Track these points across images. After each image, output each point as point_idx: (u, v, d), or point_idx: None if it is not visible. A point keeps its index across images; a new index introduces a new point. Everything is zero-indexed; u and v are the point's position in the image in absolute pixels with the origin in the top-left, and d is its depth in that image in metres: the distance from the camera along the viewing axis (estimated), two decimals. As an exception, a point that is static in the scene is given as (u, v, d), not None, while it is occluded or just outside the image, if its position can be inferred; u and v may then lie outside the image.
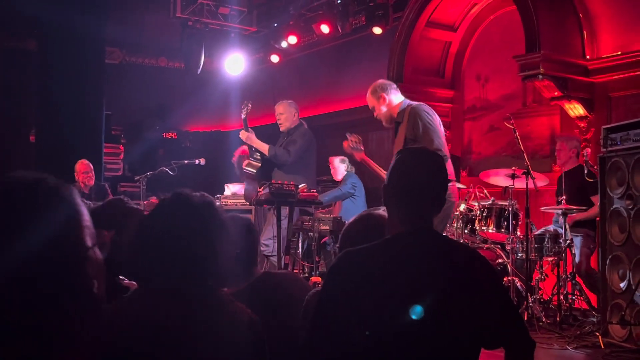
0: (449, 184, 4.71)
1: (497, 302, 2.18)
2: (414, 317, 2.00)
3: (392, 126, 5.30)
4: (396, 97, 5.23)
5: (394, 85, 5.31)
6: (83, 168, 8.21)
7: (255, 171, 6.40)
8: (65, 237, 1.24)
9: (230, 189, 7.88)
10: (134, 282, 2.81)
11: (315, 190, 5.65)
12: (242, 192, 7.62)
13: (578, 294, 6.09)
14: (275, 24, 9.96)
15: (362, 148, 5.24)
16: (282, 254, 5.13)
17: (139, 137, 12.39)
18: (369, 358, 2.06)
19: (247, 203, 6.85)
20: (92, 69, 9.86)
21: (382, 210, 6.44)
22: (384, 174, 5.28)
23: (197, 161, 7.80)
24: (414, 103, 5.17)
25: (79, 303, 1.23)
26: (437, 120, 5.03)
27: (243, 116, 6.60)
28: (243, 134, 6.53)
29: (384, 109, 5.23)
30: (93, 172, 8.29)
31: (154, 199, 9.20)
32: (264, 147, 6.42)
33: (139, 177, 7.73)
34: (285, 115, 6.56)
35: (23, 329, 1.16)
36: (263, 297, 2.68)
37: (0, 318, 1.16)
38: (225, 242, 2.07)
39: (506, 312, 2.22)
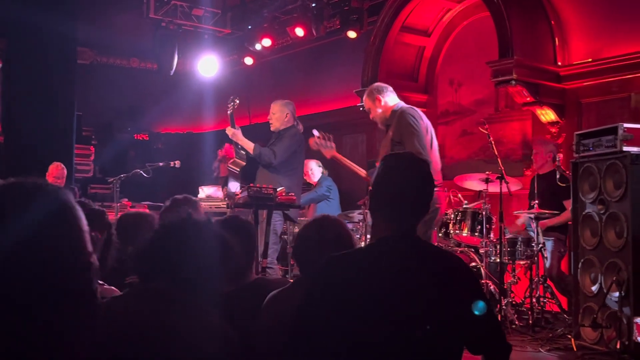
0: (435, 190, 4.76)
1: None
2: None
3: (384, 128, 5.32)
4: (391, 99, 5.25)
5: (391, 88, 5.32)
6: (55, 173, 8.11)
7: (239, 170, 6.30)
8: (69, 244, 1.23)
9: (205, 191, 7.83)
10: (113, 288, 2.81)
11: (294, 194, 5.61)
12: (217, 194, 7.61)
13: (549, 297, 6.18)
14: (250, 27, 9.95)
15: (333, 145, 5.20)
16: (259, 258, 5.12)
17: (109, 138, 12.28)
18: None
19: (223, 206, 6.82)
20: (63, 69, 9.74)
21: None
22: (357, 168, 5.30)
23: (172, 163, 7.72)
24: (405, 106, 5.18)
25: (84, 311, 1.22)
26: (422, 125, 5.05)
27: (229, 112, 6.50)
28: (229, 131, 6.42)
29: (379, 110, 5.24)
30: (64, 179, 8.19)
31: (125, 201, 9.13)
32: (250, 146, 6.32)
33: (112, 179, 7.64)
34: (277, 115, 6.45)
35: (27, 338, 1.15)
36: (253, 301, 2.70)
37: (4, 325, 1.15)
38: (223, 258, 2.16)
39: (486, 317, 2.25)
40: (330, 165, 8.68)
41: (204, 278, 2.05)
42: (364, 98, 5.33)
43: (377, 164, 5.19)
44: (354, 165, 5.31)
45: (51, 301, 1.17)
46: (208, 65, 10.66)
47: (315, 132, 5.19)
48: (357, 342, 2.06)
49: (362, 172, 5.28)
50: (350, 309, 2.07)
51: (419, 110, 5.24)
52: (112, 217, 7.89)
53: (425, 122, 5.09)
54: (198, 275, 2.04)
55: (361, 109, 8.02)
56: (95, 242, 1.35)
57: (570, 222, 5.90)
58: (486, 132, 6.24)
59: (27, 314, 1.15)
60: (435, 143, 5.22)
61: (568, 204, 5.76)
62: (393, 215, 2.22)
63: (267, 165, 6.22)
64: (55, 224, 1.22)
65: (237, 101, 6.48)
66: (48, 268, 1.18)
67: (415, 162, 2.32)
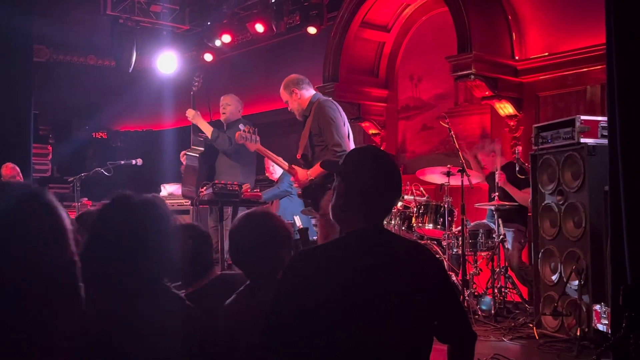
0: None
1: (445, 296, 2.26)
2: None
3: (304, 117, 5.45)
4: (307, 92, 5.40)
5: (307, 80, 5.46)
6: (9, 172, 7.97)
7: (197, 155, 6.31)
8: (53, 244, 1.22)
9: (167, 189, 7.78)
10: None
11: (258, 190, 5.64)
12: (179, 192, 7.55)
13: (511, 287, 6.29)
14: (209, 23, 9.88)
15: (257, 138, 5.28)
16: (225, 255, 5.12)
17: (67, 137, 12.09)
18: (326, 354, 2.09)
19: (186, 203, 6.77)
20: (19, 67, 9.55)
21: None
22: (280, 161, 5.39)
23: (133, 161, 7.65)
24: (323, 98, 5.33)
25: (68, 308, 1.22)
26: (340, 117, 5.20)
27: (193, 91, 6.50)
28: (190, 113, 6.41)
29: (295, 103, 5.40)
30: (20, 176, 8.05)
31: (85, 200, 9.00)
32: (208, 129, 6.36)
33: (72, 179, 7.53)
34: (232, 107, 6.53)
35: (15, 336, 1.15)
36: (217, 296, 2.71)
37: None
38: (166, 237, 2.11)
39: (452, 305, 2.30)
40: (292, 161, 8.68)
41: (152, 269, 2.04)
42: (280, 90, 5.46)
43: (298, 157, 5.30)
44: (278, 157, 5.43)
45: (34, 297, 1.17)
46: (167, 62, 10.56)
47: (242, 126, 5.29)
48: (331, 334, 2.08)
49: (285, 164, 5.37)
50: (322, 303, 2.09)
51: (335, 102, 5.40)
52: (72, 216, 7.84)
53: (343, 115, 5.25)
54: (145, 266, 2.02)
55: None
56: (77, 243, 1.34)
57: (529, 214, 6.01)
58: (447, 126, 6.33)
59: (10, 310, 1.15)
60: (351, 136, 5.38)
61: (528, 190, 5.86)
62: (366, 211, 2.24)
63: (223, 150, 6.24)
64: (40, 224, 1.22)
65: (200, 80, 6.51)
66: (32, 267, 1.18)
67: (384, 157, 2.35)
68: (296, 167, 5.18)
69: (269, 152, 5.41)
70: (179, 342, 2.00)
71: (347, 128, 5.27)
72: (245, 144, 5.23)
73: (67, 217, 1.29)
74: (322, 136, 5.11)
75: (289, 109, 5.49)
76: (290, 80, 5.43)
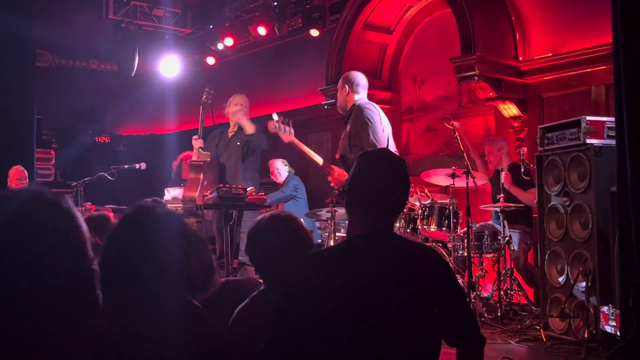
0: None
1: (454, 300, 2.24)
2: None
3: (344, 116, 5.51)
4: (358, 95, 5.45)
5: (364, 85, 5.51)
6: (17, 174, 7.97)
7: (202, 163, 6.27)
8: (71, 252, 1.20)
9: (171, 193, 7.76)
10: None
11: (263, 193, 5.61)
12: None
13: (517, 289, 6.26)
14: (211, 26, 9.87)
15: (292, 130, 5.26)
16: (230, 259, 5.10)
17: (70, 141, 12.08)
18: (331, 359, 2.07)
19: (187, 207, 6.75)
20: (21, 72, 9.55)
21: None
22: (314, 156, 5.39)
23: (137, 166, 7.64)
24: (364, 101, 5.38)
25: (85, 317, 1.20)
26: (378, 120, 5.19)
27: (203, 102, 6.46)
28: (196, 143, 6.38)
29: (341, 98, 5.50)
30: (27, 180, 8.06)
31: (89, 205, 8.99)
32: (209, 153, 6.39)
33: (76, 183, 7.51)
34: (246, 109, 6.55)
35: (28, 345, 1.13)
36: (224, 304, 2.68)
37: (6, 331, 1.12)
38: (189, 250, 2.09)
39: (462, 310, 2.27)
40: (297, 163, 8.66)
41: (164, 278, 1.99)
42: (340, 78, 5.58)
43: (337, 157, 5.30)
44: (311, 152, 5.42)
45: (53, 308, 1.15)
46: (169, 66, 10.56)
47: (275, 116, 5.23)
48: (335, 339, 2.06)
49: (319, 159, 5.36)
50: (327, 307, 2.07)
51: (378, 107, 5.42)
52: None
53: (382, 118, 5.27)
54: (157, 275, 1.98)
55: (326, 107, 8.05)
56: (95, 247, 1.31)
57: (535, 215, 5.98)
58: (451, 127, 6.30)
59: (29, 320, 1.13)
60: (392, 140, 5.34)
61: (533, 191, 5.83)
62: (372, 214, 2.22)
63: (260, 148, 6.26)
64: (57, 231, 1.20)
65: (211, 92, 6.48)
66: (50, 275, 1.16)
67: (393, 161, 2.33)
68: (333, 166, 5.23)
69: (304, 146, 5.42)
70: (184, 349, 1.98)
71: (386, 132, 5.27)
72: (278, 134, 5.22)
73: (85, 225, 1.27)
74: (359, 137, 5.14)
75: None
76: (347, 77, 5.53)
